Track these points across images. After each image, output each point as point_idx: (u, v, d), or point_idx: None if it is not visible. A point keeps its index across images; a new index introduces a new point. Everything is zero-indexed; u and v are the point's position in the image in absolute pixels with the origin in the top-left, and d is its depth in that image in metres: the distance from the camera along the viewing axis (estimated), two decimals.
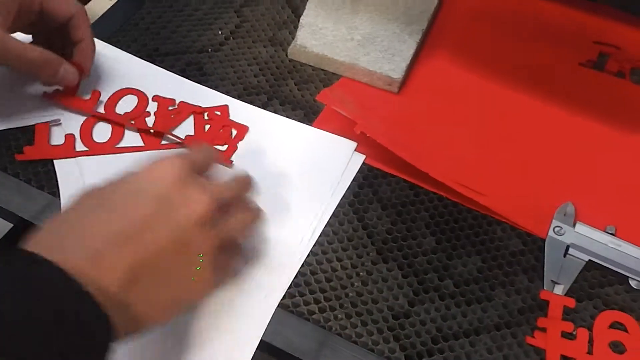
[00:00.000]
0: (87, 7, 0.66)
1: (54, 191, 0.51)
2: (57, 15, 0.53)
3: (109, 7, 0.65)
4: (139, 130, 0.55)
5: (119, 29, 0.63)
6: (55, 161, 0.53)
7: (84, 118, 0.55)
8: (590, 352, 0.46)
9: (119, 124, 0.55)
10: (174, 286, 0.39)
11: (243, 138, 0.55)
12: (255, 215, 0.46)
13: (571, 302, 0.48)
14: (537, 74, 0.62)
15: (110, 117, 0.55)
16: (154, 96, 0.57)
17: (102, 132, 0.55)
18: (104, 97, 0.57)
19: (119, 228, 0.37)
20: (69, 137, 0.54)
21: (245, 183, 0.46)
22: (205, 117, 0.56)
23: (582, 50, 0.64)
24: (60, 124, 0.55)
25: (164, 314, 0.39)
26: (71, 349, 0.33)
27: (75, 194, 0.40)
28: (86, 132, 0.55)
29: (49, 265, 0.34)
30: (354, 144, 0.56)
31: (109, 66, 0.59)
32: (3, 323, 0.31)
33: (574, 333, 0.47)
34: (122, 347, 0.38)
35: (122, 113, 0.56)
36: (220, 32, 0.64)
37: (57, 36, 0.55)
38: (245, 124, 0.56)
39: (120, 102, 0.57)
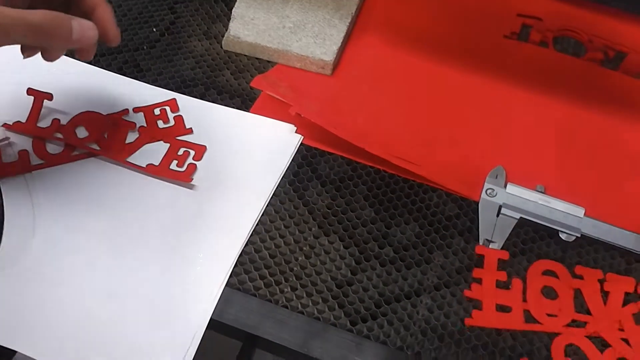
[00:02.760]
0: None
1: None
2: None
3: None
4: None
5: None
6: (1, 181, 0.53)
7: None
8: (524, 300, 0.48)
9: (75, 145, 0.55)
10: None
11: (201, 157, 0.55)
12: None
13: (505, 255, 0.50)
14: (464, 48, 0.64)
15: (69, 142, 0.55)
16: (110, 115, 0.57)
17: (55, 143, 0.55)
18: (64, 122, 0.56)
19: None
20: (23, 153, 0.54)
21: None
22: (157, 113, 0.58)
23: (505, 23, 0.67)
24: (9, 143, 0.55)
25: None
26: None
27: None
28: (39, 145, 0.55)
29: None
30: (292, 127, 0.57)
31: (66, 82, 0.59)
32: None
33: (509, 283, 0.49)
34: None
35: (81, 137, 0.56)
36: (154, 30, 0.65)
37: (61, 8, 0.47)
38: (190, 115, 0.58)
39: (78, 128, 0.56)
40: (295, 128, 0.57)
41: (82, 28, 0.46)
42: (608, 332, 0.47)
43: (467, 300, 0.48)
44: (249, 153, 0.56)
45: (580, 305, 0.48)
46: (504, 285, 0.49)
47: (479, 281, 0.49)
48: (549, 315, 0.47)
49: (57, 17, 0.44)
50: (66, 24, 0.45)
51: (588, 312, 0.48)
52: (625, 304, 0.48)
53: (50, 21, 0.44)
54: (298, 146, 0.56)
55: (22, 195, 0.52)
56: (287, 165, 0.55)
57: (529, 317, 0.47)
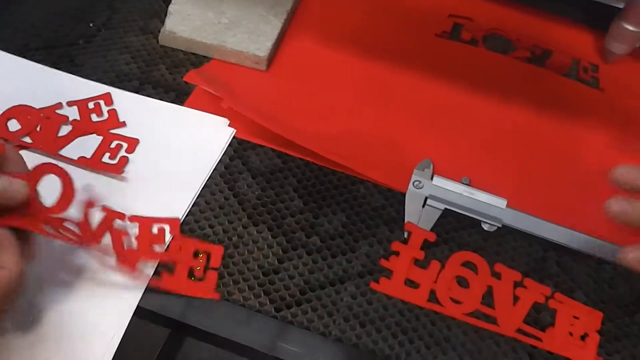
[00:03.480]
0: None
1: None
2: None
3: None
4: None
5: None
6: None
7: None
8: (435, 282, 0.50)
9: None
10: None
11: (134, 150, 0.56)
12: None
13: (432, 236, 0.52)
14: (396, 46, 0.66)
15: (0, 136, 0.55)
16: (43, 108, 0.57)
17: None
18: None
19: None
20: None
21: None
22: (90, 106, 0.58)
23: (437, 23, 0.69)
24: None
25: None
26: None
27: None
28: None
29: None
30: (225, 120, 0.58)
31: None
32: None
33: (426, 263, 0.50)
34: None
35: (12, 130, 0.55)
36: (91, 25, 0.65)
37: None
38: (124, 109, 0.58)
39: (10, 121, 0.56)
40: (228, 122, 0.58)
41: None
42: (503, 330, 0.48)
43: (380, 270, 0.50)
44: (182, 146, 0.56)
45: (488, 300, 0.50)
46: (420, 265, 0.50)
47: (397, 254, 0.51)
48: (453, 300, 0.49)
49: None
50: None
51: (492, 307, 0.49)
52: (529, 315, 0.49)
53: None
54: (230, 139, 0.57)
55: None
56: (219, 157, 0.56)
57: (432, 298, 0.49)
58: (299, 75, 0.63)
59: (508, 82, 0.65)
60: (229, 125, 0.58)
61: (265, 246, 0.51)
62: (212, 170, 0.55)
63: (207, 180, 0.54)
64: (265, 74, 0.63)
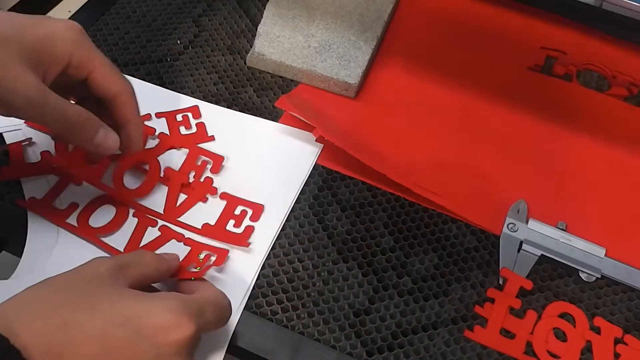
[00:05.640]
0: None
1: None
2: (102, 89, 0.46)
3: (67, 18, 0.65)
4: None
5: None
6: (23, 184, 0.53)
7: None
8: (531, 333, 0.48)
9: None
10: None
11: (219, 171, 0.55)
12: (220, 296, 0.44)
13: (529, 285, 0.50)
14: (487, 78, 0.64)
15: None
16: None
17: None
18: None
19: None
20: (45, 154, 0.54)
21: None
22: (179, 119, 0.58)
23: (529, 55, 0.67)
24: (29, 143, 0.55)
25: None
26: None
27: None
28: (60, 146, 0.54)
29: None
30: (312, 136, 0.57)
31: None
32: None
33: (522, 312, 0.49)
34: None
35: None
36: (178, 42, 0.65)
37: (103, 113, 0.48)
38: (213, 123, 0.58)
39: None
40: (315, 137, 0.57)
41: (106, 137, 0.46)
42: None
43: (474, 317, 0.49)
44: (271, 161, 0.56)
45: (587, 356, 0.47)
46: (515, 313, 0.49)
47: (492, 301, 0.49)
48: (550, 354, 0.47)
49: (90, 119, 0.45)
50: (94, 128, 0.45)
51: None
52: None
53: (82, 120, 0.44)
54: (320, 168, 0.56)
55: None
56: (305, 180, 0.55)
57: (529, 350, 0.47)
58: (388, 105, 0.62)
59: (604, 122, 0.62)
60: (316, 141, 0.57)
61: (356, 285, 0.50)
62: (297, 198, 0.54)
63: (296, 211, 0.53)
64: (353, 102, 0.61)
